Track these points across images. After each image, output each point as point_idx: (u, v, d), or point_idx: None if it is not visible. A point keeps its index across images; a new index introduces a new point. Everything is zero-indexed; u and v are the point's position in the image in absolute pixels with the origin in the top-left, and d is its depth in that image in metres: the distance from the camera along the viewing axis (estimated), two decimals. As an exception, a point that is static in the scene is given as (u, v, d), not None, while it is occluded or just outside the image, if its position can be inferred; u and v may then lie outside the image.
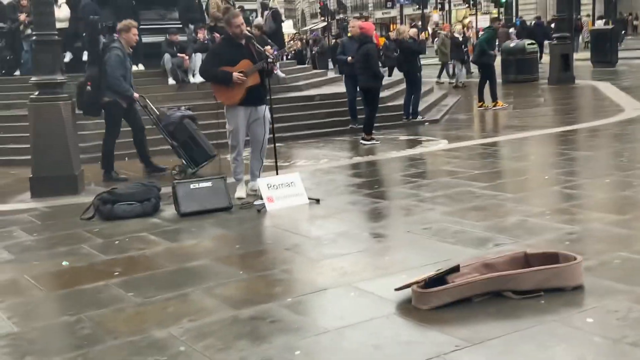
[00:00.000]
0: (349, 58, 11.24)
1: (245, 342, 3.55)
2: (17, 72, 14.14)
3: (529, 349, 3.31)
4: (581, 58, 23.41)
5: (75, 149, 7.84)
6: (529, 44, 19.43)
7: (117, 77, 8.32)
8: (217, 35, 13.69)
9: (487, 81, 14.09)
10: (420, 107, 13.35)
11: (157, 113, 8.94)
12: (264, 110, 6.96)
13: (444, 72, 21.01)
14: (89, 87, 8.52)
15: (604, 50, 21.71)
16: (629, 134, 9.99)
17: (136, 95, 8.63)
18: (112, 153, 8.67)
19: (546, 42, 22.45)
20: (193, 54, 12.80)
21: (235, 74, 6.72)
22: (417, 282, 3.98)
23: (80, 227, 6.22)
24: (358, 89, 11.05)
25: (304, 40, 26.13)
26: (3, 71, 14.47)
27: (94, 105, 8.58)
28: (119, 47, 8.46)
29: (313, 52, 24.18)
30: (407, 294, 3.99)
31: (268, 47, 7.39)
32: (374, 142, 10.38)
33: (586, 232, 5.23)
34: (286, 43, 16.27)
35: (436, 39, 23.71)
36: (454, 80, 19.79)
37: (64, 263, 5.14)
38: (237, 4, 16.06)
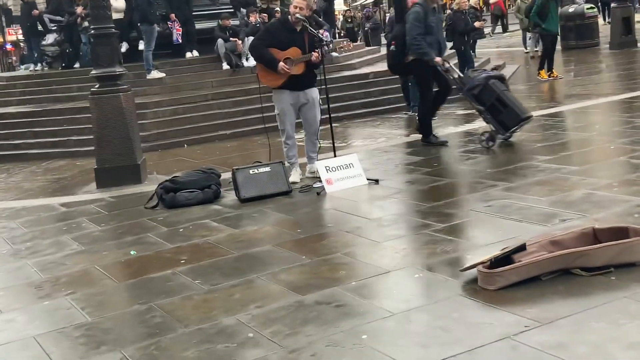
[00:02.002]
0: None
1: (312, 327, 3.58)
2: (77, 65, 14.50)
3: (601, 327, 3.24)
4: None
5: (136, 138, 8.01)
6: (588, 8, 18.79)
7: (414, 36, 7.88)
8: (265, 16, 13.71)
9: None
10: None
11: (461, 76, 8.27)
12: (314, 93, 6.94)
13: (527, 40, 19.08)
14: (392, 47, 8.37)
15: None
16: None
17: (438, 59, 7.98)
18: (428, 116, 8.35)
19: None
20: (245, 38, 12.86)
21: (281, 65, 6.70)
22: (482, 262, 3.93)
23: (145, 216, 6.36)
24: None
25: (355, 22, 25.85)
26: (63, 64, 14.86)
27: (398, 65, 8.40)
28: (420, 3, 8.03)
29: (365, 28, 23.98)
30: (473, 275, 3.95)
31: (322, 30, 7.34)
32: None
33: (656, 203, 5.07)
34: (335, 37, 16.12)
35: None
36: (528, 49, 18.73)
37: (132, 252, 5.27)
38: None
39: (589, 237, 4.15)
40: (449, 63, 8.20)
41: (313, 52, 6.71)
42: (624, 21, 16.81)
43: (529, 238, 4.23)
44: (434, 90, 8.31)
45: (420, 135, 8.44)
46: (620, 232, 4.09)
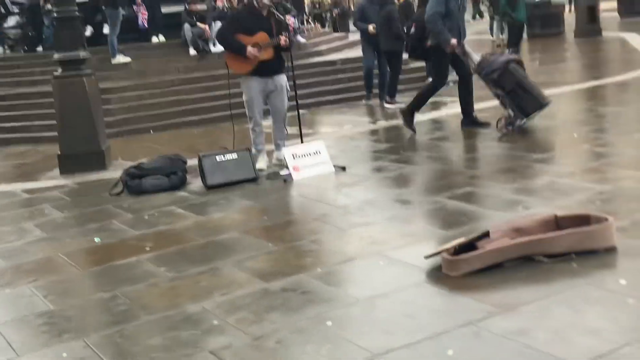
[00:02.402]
0: (371, 27, 10.65)
1: (277, 315, 3.58)
2: (40, 48, 14.21)
3: (562, 313, 3.30)
4: (608, 9, 22.84)
5: (101, 124, 7.90)
6: (553, -4, 19.02)
7: (431, 14, 7.66)
8: (233, 1, 13.58)
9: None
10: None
11: (478, 60, 7.94)
12: (282, 80, 6.92)
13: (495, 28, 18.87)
14: (413, 29, 8.13)
15: (632, 0, 21.18)
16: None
17: (453, 41, 7.69)
18: (427, 98, 8.22)
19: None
20: (213, 23, 12.74)
21: (250, 49, 6.66)
22: (447, 249, 3.97)
23: (109, 202, 6.29)
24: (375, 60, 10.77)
25: (324, 8, 25.78)
26: (25, 47, 14.56)
27: (417, 48, 8.16)
28: None
29: (333, 14, 23.94)
30: (438, 261, 3.98)
31: (289, 16, 7.29)
32: (397, 105, 10.29)
33: (618, 191, 5.16)
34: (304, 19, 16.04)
35: None
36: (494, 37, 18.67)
37: (96, 240, 5.21)
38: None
39: (551, 224, 4.21)
40: (467, 47, 7.95)
41: (280, 37, 6.68)
42: (589, 10, 17.04)
43: (492, 225, 4.27)
44: (457, 82, 8.19)
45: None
46: (582, 220, 4.15)
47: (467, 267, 3.86)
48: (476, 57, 7.95)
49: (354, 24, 10.67)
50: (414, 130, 8.11)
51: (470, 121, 8.07)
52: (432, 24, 7.68)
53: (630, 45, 15.05)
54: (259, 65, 6.74)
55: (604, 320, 3.20)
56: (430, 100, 10.68)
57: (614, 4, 22.82)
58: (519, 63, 7.87)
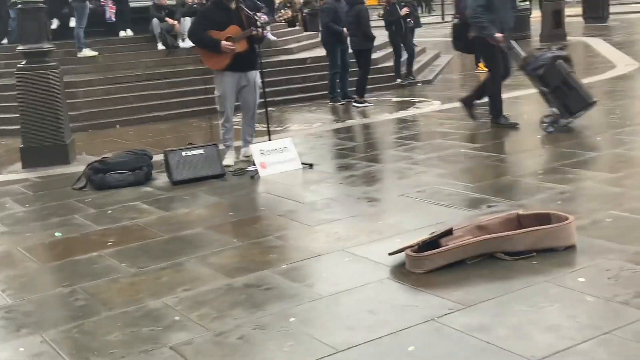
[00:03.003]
0: (345, 30, 10.44)
1: (240, 310, 3.56)
2: (5, 41, 13.94)
3: (522, 309, 3.33)
4: (573, 14, 23.19)
5: (64, 117, 7.78)
6: (520, 1, 19.19)
7: (474, 8, 7.41)
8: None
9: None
10: (414, 68, 13.25)
11: (524, 55, 7.69)
12: (254, 75, 6.89)
13: None
14: (457, 20, 7.88)
15: (596, 6, 21.52)
16: (621, 90, 9.96)
17: (498, 35, 7.43)
18: (498, 96, 7.80)
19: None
20: (182, 18, 12.64)
21: (224, 43, 6.62)
22: (410, 246, 3.99)
23: (72, 197, 6.20)
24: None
25: (294, 8, 25.70)
26: (-11, 40, 14.28)
27: (459, 40, 7.92)
28: None
29: (304, 13, 23.88)
30: (401, 258, 4.00)
31: (260, 13, 7.25)
32: (366, 104, 10.33)
33: (578, 191, 5.24)
34: (276, 8, 15.96)
35: None
36: None
37: (56, 234, 5.13)
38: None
39: (513, 222, 4.26)
40: (512, 42, 7.70)
41: (252, 28, 6.65)
42: (554, 14, 17.26)
43: (456, 223, 4.31)
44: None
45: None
46: (543, 218, 4.21)
47: (430, 264, 3.88)
48: (522, 52, 7.74)
49: (326, 25, 10.57)
50: (514, 126, 7.71)
51: (471, 104, 8.08)
52: (475, 18, 7.44)
53: (594, 49, 15.29)
54: (235, 59, 6.70)
55: (562, 317, 3.24)
56: (398, 99, 10.78)
57: (579, 10, 23.17)
58: (567, 60, 7.57)
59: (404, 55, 12.30)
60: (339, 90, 10.76)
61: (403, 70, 12.26)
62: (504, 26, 7.60)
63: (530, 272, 3.76)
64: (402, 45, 12.09)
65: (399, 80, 12.13)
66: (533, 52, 7.73)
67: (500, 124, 7.75)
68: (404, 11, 11.91)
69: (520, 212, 4.34)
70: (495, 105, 7.85)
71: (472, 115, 8.13)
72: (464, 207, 5.00)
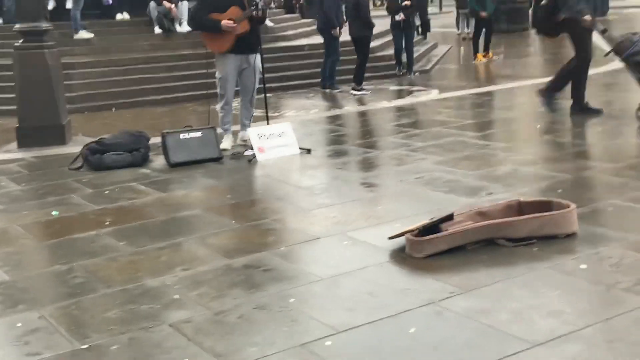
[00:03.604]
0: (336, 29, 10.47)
1: (239, 290, 3.54)
2: (0, 21, 13.83)
3: (522, 295, 3.32)
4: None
5: (61, 98, 7.71)
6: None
7: None
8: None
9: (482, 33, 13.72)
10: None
11: (620, 39, 7.35)
12: (255, 58, 6.85)
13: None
14: (544, 1, 7.43)
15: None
16: (620, 83, 9.93)
17: (588, 17, 7.11)
18: (584, 81, 7.52)
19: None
20: (179, 2, 12.55)
21: (224, 22, 6.57)
22: (410, 231, 3.97)
23: (68, 177, 6.16)
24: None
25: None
26: (-15, 19, 14.16)
27: (546, 22, 7.51)
28: None
29: (301, 1, 23.80)
30: (401, 243, 3.98)
31: None
32: (364, 92, 10.30)
33: (579, 180, 5.23)
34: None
35: None
36: (459, 31, 18.70)
37: (53, 213, 5.09)
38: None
39: (514, 209, 4.25)
40: (599, 24, 7.42)
41: (252, 8, 6.60)
42: (553, 7, 17.22)
43: (457, 208, 4.29)
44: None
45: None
46: (544, 206, 4.20)
47: (431, 249, 3.86)
48: (617, 36, 7.41)
49: (327, 12, 10.45)
50: (597, 112, 7.45)
51: (580, 108, 7.54)
52: (572, 1, 7.07)
53: (593, 42, 15.26)
54: (237, 41, 6.65)
55: (564, 303, 3.23)
56: (396, 88, 10.76)
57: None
58: None
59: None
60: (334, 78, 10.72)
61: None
62: (596, 9, 7.24)
63: (531, 258, 3.75)
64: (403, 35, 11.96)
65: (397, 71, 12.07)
66: (630, 36, 7.36)
67: (583, 110, 7.38)
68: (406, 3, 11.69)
69: (522, 199, 4.32)
70: (579, 91, 7.48)
71: (551, 107, 7.65)
72: (463, 195, 4.98)
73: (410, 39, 12.09)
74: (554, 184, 5.09)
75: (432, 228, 3.97)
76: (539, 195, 4.72)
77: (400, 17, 11.50)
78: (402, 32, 11.90)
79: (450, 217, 4.06)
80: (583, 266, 3.60)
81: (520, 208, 4.24)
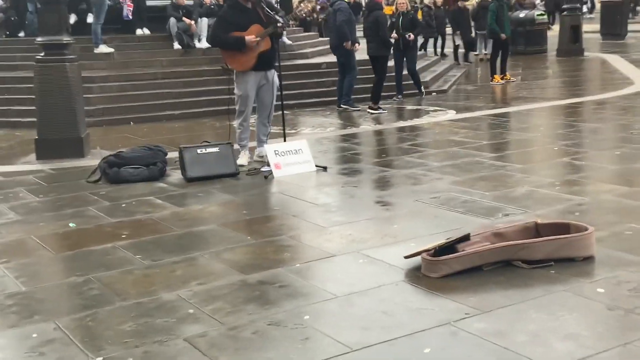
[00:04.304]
0: (355, 44, 10.45)
1: (254, 306, 3.54)
2: (22, 34, 14.03)
3: (539, 317, 3.29)
4: (590, 30, 23.15)
5: (81, 111, 7.79)
6: (538, 15, 19.18)
7: None
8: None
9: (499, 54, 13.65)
10: (428, 78, 13.23)
11: None
12: (273, 74, 6.89)
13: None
14: None
15: (614, 23, 21.46)
16: (638, 106, 9.90)
17: None
18: None
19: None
20: (199, 19, 12.66)
21: (249, 37, 6.61)
22: (426, 250, 3.96)
23: (86, 189, 6.20)
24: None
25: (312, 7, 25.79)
26: (7, 32, 14.36)
27: None
28: None
29: (319, 19, 23.95)
30: (417, 262, 3.97)
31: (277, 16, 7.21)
32: (380, 111, 10.30)
33: (597, 203, 5.19)
34: (294, 8, 15.97)
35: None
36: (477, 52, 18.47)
37: (70, 224, 5.13)
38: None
39: (531, 231, 4.22)
40: None
41: (275, 24, 6.64)
42: (572, 29, 17.23)
43: (473, 229, 4.27)
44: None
45: None
46: (562, 228, 4.17)
47: (447, 269, 3.85)
48: None
49: (340, 25, 10.45)
50: None
51: None
52: None
53: (611, 65, 15.24)
54: (259, 58, 6.70)
55: (581, 326, 3.21)
56: (413, 107, 10.76)
57: (597, 26, 23.12)
58: None
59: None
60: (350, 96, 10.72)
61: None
62: None
63: (548, 280, 3.72)
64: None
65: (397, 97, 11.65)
66: None
67: None
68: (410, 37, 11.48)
69: (539, 220, 4.30)
70: None
71: None
72: (480, 215, 4.96)
73: (412, 61, 11.73)
74: (571, 207, 5.06)
75: (448, 248, 3.95)
76: (556, 217, 4.69)
77: (409, 37, 11.35)
78: (402, 53, 11.50)
79: (466, 238, 4.04)
80: (601, 290, 3.57)
81: (538, 230, 4.22)
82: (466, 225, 4.60)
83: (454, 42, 17.61)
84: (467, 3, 18.17)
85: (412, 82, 11.91)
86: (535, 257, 3.92)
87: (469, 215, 4.98)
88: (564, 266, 3.87)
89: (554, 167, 6.53)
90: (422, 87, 11.93)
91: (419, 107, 10.86)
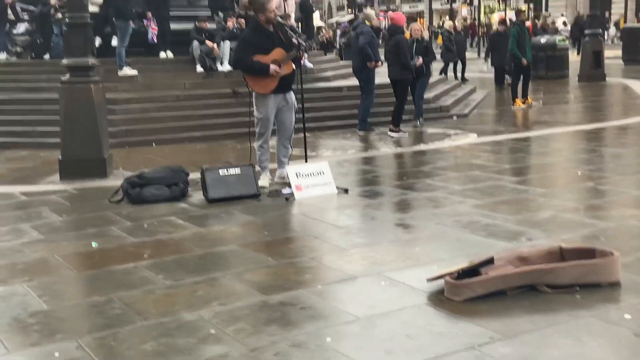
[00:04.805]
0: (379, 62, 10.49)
1: (275, 327, 3.52)
2: (47, 56, 14.25)
3: (565, 343, 3.25)
4: (612, 56, 23.06)
5: (104, 132, 7.87)
6: (559, 40, 19.14)
7: None
8: (242, 22, 13.69)
9: (520, 78, 13.59)
10: (449, 101, 13.23)
11: None
12: (292, 96, 6.93)
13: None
14: None
15: (636, 48, 21.37)
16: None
17: None
18: None
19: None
20: (222, 42, 12.79)
21: (273, 67, 6.66)
22: (449, 273, 3.92)
23: (108, 209, 6.24)
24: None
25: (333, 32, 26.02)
26: (33, 54, 14.60)
27: None
28: None
29: (341, 44, 24.12)
30: (439, 285, 3.93)
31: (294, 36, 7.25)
32: (401, 134, 10.30)
33: (621, 228, 5.13)
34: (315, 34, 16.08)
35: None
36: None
37: (93, 244, 5.15)
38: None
39: (555, 255, 4.17)
40: None
41: (296, 49, 6.68)
42: (594, 54, 17.17)
43: (497, 252, 4.23)
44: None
45: None
46: (587, 253, 4.12)
47: (470, 293, 3.81)
48: None
49: (362, 49, 10.49)
50: None
51: None
52: None
53: (633, 91, 15.15)
54: (281, 80, 6.75)
55: (607, 352, 3.16)
56: (433, 131, 10.73)
57: (619, 52, 23.05)
58: None
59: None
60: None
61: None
62: None
63: (573, 306, 3.67)
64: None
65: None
66: None
67: None
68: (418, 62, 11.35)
69: (563, 245, 4.25)
70: None
71: None
72: (503, 239, 4.92)
73: (422, 86, 11.36)
74: (595, 232, 5.00)
75: (471, 271, 3.92)
76: (581, 242, 4.63)
77: (417, 61, 11.10)
78: (414, 79, 10.97)
79: (490, 261, 4.00)
80: (627, 316, 3.51)
81: (562, 254, 4.17)
82: (489, 249, 4.56)
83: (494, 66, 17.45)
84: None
85: (432, 105, 11.88)
86: (560, 281, 3.88)
87: (491, 239, 4.94)
88: (590, 291, 3.82)
89: (577, 192, 6.48)
90: (422, 117, 11.48)
91: (439, 130, 10.83)
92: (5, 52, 15.48)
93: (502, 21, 18.63)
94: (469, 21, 41.02)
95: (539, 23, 22.97)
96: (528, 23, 16.10)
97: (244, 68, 6.96)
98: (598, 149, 8.77)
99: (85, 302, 4.05)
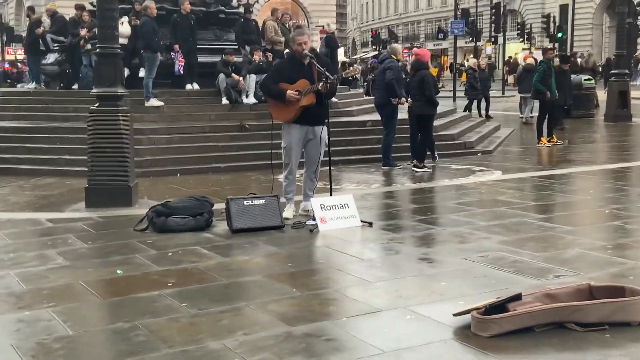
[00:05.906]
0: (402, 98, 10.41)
1: (300, 358, 3.49)
2: (75, 86, 14.50)
3: (595, 383, 3.18)
4: (638, 97, 22.94)
5: (131, 161, 7.94)
6: (585, 79, 19.08)
7: None
8: (270, 55, 13.83)
9: (547, 117, 13.52)
10: (473, 138, 13.21)
11: None
12: (322, 130, 6.95)
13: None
14: None
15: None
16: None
17: None
18: None
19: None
20: (247, 75, 12.93)
21: (289, 92, 6.73)
22: (476, 309, 3.87)
23: (133, 237, 6.27)
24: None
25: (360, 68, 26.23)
26: (62, 84, 14.86)
27: None
28: None
29: (368, 79, 24.28)
30: (466, 320, 3.89)
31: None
32: (425, 169, 10.29)
33: (651, 267, 5.05)
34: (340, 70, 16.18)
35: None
36: (523, 115, 18.64)
37: (118, 271, 5.17)
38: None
39: (584, 293, 4.11)
40: None
41: (318, 83, 6.74)
42: (620, 94, 17.09)
43: (525, 289, 4.18)
44: None
45: None
46: (617, 291, 4.05)
47: (497, 328, 3.75)
48: None
49: (389, 84, 10.51)
50: None
51: None
52: None
53: None
54: (302, 113, 6.80)
55: (640, 393, 3.08)
56: (458, 167, 10.69)
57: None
58: None
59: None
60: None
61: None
62: None
63: (603, 345, 3.60)
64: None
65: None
66: None
67: None
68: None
69: (592, 283, 4.18)
70: None
71: None
72: (530, 276, 4.86)
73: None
74: (624, 270, 4.93)
75: (498, 307, 3.87)
76: (609, 281, 4.56)
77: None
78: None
79: (517, 297, 3.95)
80: (659, 356, 3.44)
81: (591, 292, 4.10)
82: (516, 286, 4.50)
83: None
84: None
85: (457, 141, 11.90)
86: (589, 319, 3.81)
87: (518, 275, 4.88)
88: (619, 330, 3.75)
89: (604, 230, 6.40)
90: (437, 153, 11.33)
91: (464, 167, 10.80)
92: (34, 82, 15.80)
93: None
94: (492, 59, 41.22)
95: (581, 61, 22.73)
96: (556, 60, 15.94)
97: (264, 90, 7.18)
98: (625, 188, 8.68)
99: (110, 328, 4.05)
